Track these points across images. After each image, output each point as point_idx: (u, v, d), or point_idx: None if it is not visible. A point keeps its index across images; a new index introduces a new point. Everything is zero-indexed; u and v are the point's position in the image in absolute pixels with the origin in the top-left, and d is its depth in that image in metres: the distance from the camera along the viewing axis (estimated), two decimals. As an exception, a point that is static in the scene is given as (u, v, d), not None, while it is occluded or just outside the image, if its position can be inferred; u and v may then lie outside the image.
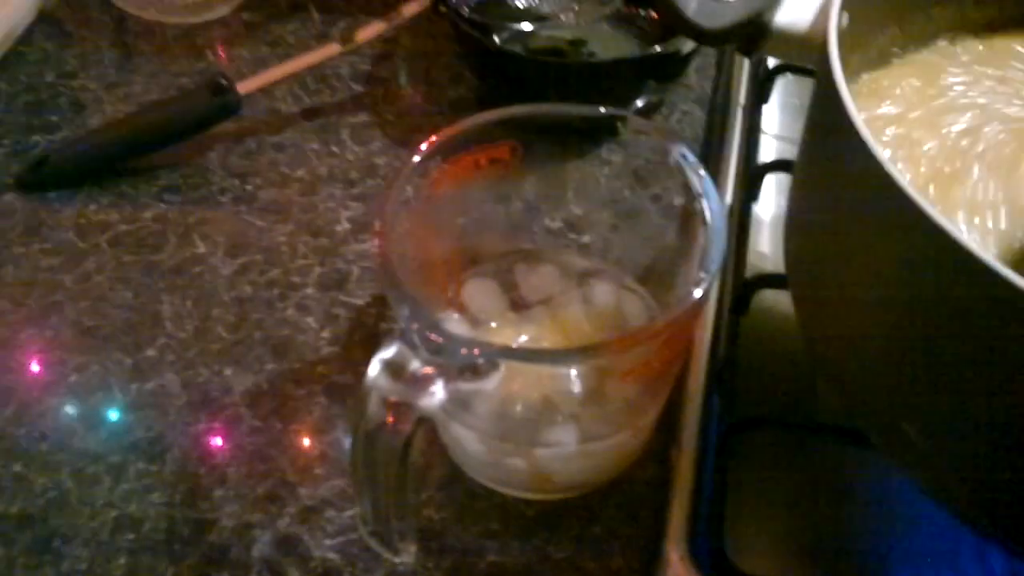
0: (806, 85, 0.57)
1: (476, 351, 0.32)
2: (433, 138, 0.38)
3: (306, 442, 0.43)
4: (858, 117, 0.31)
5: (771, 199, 0.52)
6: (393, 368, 0.32)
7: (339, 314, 0.48)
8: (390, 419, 0.31)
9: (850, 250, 0.35)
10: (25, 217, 0.52)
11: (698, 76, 0.59)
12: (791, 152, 0.53)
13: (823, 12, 0.36)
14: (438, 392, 0.32)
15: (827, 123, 0.35)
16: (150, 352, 0.46)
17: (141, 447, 0.43)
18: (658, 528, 0.40)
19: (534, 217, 0.44)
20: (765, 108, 0.55)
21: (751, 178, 0.49)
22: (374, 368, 0.32)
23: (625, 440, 0.39)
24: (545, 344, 0.40)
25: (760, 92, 0.54)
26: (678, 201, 0.41)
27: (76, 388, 0.45)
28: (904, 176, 0.29)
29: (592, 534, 0.40)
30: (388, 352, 0.32)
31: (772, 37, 0.36)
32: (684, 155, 0.38)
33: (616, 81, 0.53)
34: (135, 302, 0.48)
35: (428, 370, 0.32)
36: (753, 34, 0.36)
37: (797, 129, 0.55)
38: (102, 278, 0.49)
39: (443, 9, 0.53)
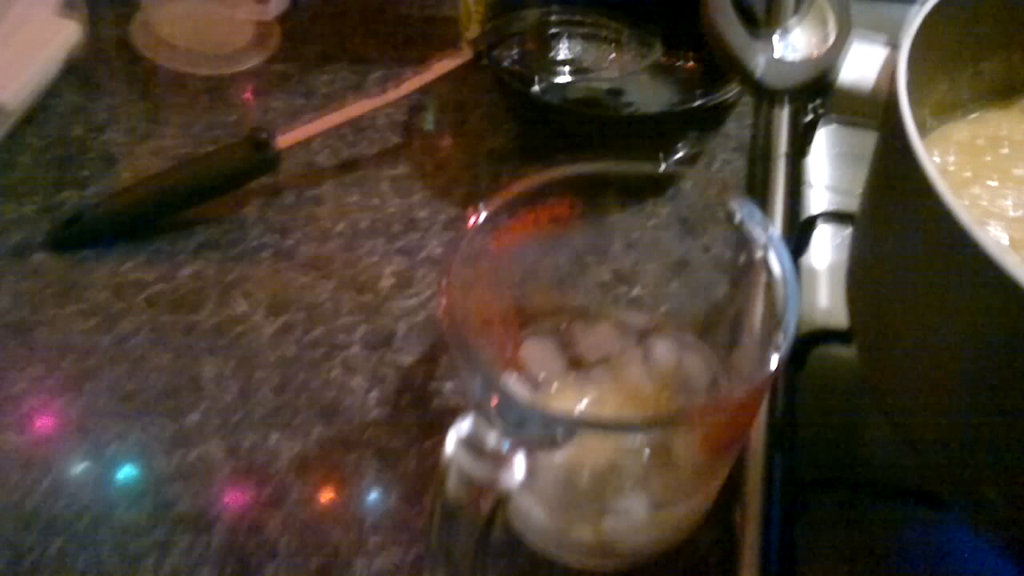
0: (848, 135, 0.56)
1: (560, 423, 0.31)
2: (496, 197, 0.37)
3: (359, 511, 0.42)
4: (933, 169, 0.30)
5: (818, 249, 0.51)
6: (471, 444, 0.30)
7: (387, 374, 0.46)
8: (470, 498, 0.30)
9: (921, 301, 0.34)
10: (58, 277, 0.50)
11: (736, 123, 0.58)
12: (839, 203, 0.52)
13: (884, 70, 0.35)
14: (520, 469, 0.30)
15: (897, 175, 0.34)
16: (193, 418, 0.45)
17: (187, 520, 0.41)
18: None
19: (590, 273, 0.43)
20: (812, 158, 0.54)
21: (801, 229, 0.48)
22: (451, 445, 0.30)
23: (696, 505, 0.38)
24: (608, 406, 0.39)
25: (802, 141, 0.53)
26: (733, 255, 0.41)
27: (117, 458, 0.43)
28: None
29: (661, 604, 0.39)
30: (464, 427, 0.31)
31: (836, 95, 0.35)
32: (751, 212, 0.37)
33: (658, 131, 0.52)
34: (175, 365, 0.47)
35: (508, 445, 0.30)
36: (818, 92, 0.35)
37: (843, 179, 0.55)
38: (140, 340, 0.48)
39: (484, 62, 0.52)
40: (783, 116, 0.55)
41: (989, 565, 0.38)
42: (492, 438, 0.30)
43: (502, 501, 0.30)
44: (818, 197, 0.53)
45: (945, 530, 0.40)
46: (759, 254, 0.37)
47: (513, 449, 0.30)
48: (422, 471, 0.43)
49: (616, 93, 0.56)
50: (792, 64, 0.35)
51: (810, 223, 0.48)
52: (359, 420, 0.45)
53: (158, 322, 0.48)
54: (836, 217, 0.49)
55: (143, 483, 0.42)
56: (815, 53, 0.35)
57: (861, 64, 0.36)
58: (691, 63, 0.57)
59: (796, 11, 0.40)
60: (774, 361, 0.31)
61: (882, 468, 0.41)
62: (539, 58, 0.53)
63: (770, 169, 0.52)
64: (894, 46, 0.35)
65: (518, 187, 0.37)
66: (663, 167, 0.38)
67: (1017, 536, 0.33)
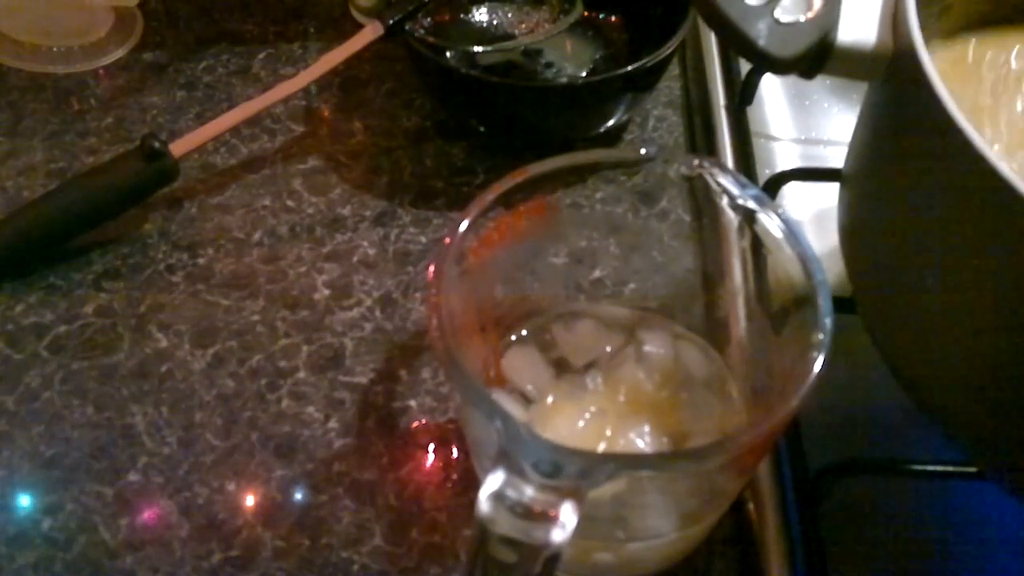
0: (794, 82, 0.54)
1: (603, 466, 0.28)
2: (473, 204, 0.33)
3: (343, 558, 0.38)
4: (959, 115, 0.28)
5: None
6: (509, 502, 0.27)
7: (343, 398, 0.42)
8: (521, 562, 0.27)
9: (949, 255, 0.31)
10: (-65, 331, 0.44)
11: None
12: (801, 155, 0.50)
13: (884, 25, 0.33)
14: (568, 519, 0.27)
15: (912, 121, 0.32)
16: (132, 477, 0.40)
17: (150, 597, 0.37)
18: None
19: (553, 264, 0.40)
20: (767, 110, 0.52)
21: (766, 188, 0.46)
22: (485, 505, 0.27)
23: (720, 514, 0.36)
24: (611, 416, 0.36)
25: (744, 90, 0.50)
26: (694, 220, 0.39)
27: (53, 536, 0.38)
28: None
29: (684, 610, 0.37)
30: (494, 483, 0.27)
31: (836, 57, 0.33)
32: (719, 171, 0.34)
33: (592, 99, 0.49)
34: (99, 418, 0.41)
35: (548, 497, 0.27)
36: (820, 56, 0.33)
37: (800, 129, 0.52)
38: (51, 394, 0.42)
39: (400, 35, 0.47)
40: (715, 64, 0.53)
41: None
42: (528, 493, 0.27)
43: (555, 557, 0.27)
44: (778, 150, 0.51)
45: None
46: (730, 215, 0.35)
47: (558, 501, 0.27)
48: (402, 504, 0.39)
49: (533, 54, 0.53)
50: (793, 28, 0.32)
51: (777, 181, 0.46)
52: (323, 454, 0.40)
53: (69, 371, 0.43)
54: (807, 174, 0.46)
55: (92, 560, 0.37)
56: (808, 15, 0.32)
57: (859, 22, 0.34)
58: (614, 18, 0.54)
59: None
60: (817, 364, 0.29)
61: (899, 446, 0.40)
62: (453, 26, 0.49)
63: (712, 123, 0.50)
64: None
65: (494, 192, 0.34)
66: (644, 152, 0.35)
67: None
